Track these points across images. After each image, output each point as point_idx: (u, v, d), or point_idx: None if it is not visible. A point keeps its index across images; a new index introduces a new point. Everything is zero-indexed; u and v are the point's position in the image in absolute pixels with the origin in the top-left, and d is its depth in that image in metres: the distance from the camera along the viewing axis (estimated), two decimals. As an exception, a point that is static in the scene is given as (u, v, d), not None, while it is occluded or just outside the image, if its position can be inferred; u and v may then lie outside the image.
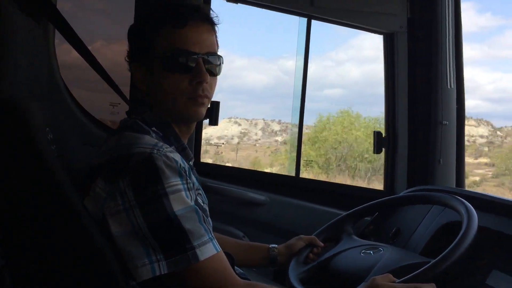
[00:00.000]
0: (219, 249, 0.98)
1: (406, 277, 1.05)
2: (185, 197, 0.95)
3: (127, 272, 0.94)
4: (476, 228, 1.12)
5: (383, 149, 2.11)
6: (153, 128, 1.06)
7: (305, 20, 2.15)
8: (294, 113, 2.37)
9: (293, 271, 1.35)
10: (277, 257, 1.42)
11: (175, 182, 0.95)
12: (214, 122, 2.29)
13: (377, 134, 2.10)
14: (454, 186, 1.96)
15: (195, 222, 0.95)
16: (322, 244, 1.44)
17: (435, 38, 1.92)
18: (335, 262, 1.32)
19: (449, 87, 1.94)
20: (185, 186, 0.97)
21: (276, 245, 1.44)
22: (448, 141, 1.96)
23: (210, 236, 0.97)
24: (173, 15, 1.05)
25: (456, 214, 1.23)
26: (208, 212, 1.11)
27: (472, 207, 1.19)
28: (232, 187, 2.21)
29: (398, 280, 1.05)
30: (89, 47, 1.21)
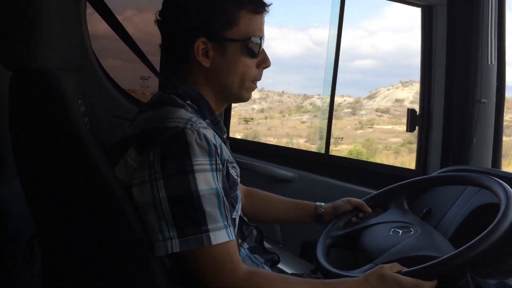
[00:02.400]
0: (232, 237, 0.97)
1: (417, 267, 1.02)
2: (211, 178, 0.95)
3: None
4: None
5: (417, 127, 2.05)
6: (188, 102, 1.07)
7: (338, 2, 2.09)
8: (325, 85, 2.33)
9: (324, 236, 1.35)
10: (324, 215, 1.44)
11: (203, 161, 0.94)
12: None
13: (410, 112, 2.04)
14: (490, 167, 1.89)
15: (215, 206, 0.94)
16: (369, 209, 1.44)
17: (476, 12, 1.82)
18: (366, 233, 1.31)
19: (489, 63, 1.85)
20: (213, 166, 0.96)
21: (323, 203, 1.46)
22: (486, 120, 1.88)
23: (226, 223, 0.96)
24: (255, 0, 1.06)
25: (492, 196, 1.18)
26: (238, 186, 1.12)
27: (510, 189, 1.15)
28: (261, 163, 2.21)
29: (405, 270, 1.03)
30: (120, 16, 1.20)
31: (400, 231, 1.25)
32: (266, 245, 1.28)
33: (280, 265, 1.37)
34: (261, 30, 1.10)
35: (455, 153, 1.92)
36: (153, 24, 1.11)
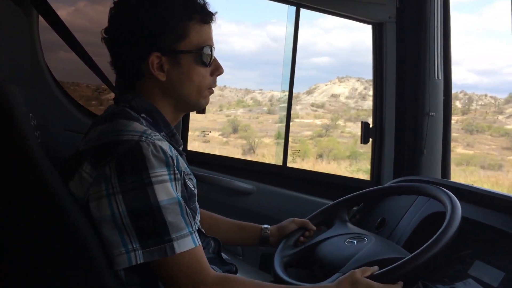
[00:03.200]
0: (198, 243, 0.98)
1: (383, 270, 1.06)
2: (170, 188, 0.95)
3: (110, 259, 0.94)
4: (460, 219, 1.12)
5: (370, 140, 2.12)
6: (142, 115, 1.06)
7: (293, 8, 2.14)
8: (284, 81, 2.35)
9: (279, 254, 1.37)
10: (269, 237, 1.45)
11: (161, 172, 0.94)
12: (202, 110, 2.28)
13: (364, 124, 2.11)
14: (440, 177, 1.97)
15: (177, 215, 0.95)
16: (314, 228, 1.46)
17: (423, 29, 1.92)
18: (320, 248, 1.33)
19: (436, 78, 1.94)
20: (172, 176, 0.97)
21: (269, 226, 1.46)
22: (434, 132, 1.97)
23: (191, 229, 0.97)
24: (202, 10, 1.08)
25: (441, 205, 1.24)
26: (196, 198, 1.12)
27: (456, 198, 1.20)
28: (219, 175, 2.21)
29: (378, 271, 1.06)
30: (71, 8, 1.16)
31: (355, 241, 1.28)
32: (224, 256, 1.28)
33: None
34: (211, 39, 1.11)
35: (407, 164, 2.00)
36: (107, 16, 1.07)
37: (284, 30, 2.31)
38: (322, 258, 1.30)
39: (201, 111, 2.23)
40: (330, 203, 1.55)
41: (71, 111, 2.08)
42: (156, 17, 1.03)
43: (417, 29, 1.93)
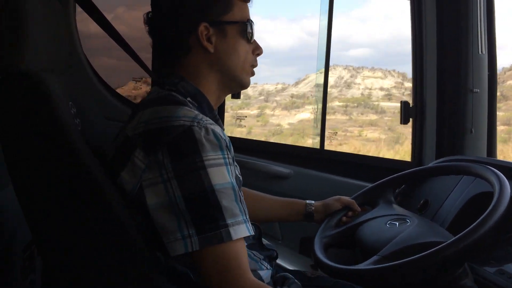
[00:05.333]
0: (252, 232, 0.96)
1: (424, 253, 1.03)
2: (225, 172, 0.94)
3: (156, 246, 0.94)
4: (509, 199, 1.08)
5: (411, 119, 2.05)
6: (188, 99, 1.06)
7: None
8: (318, 75, 2.33)
9: (320, 235, 1.36)
10: (314, 213, 1.44)
11: (215, 155, 0.93)
12: (237, 95, 2.28)
13: (404, 104, 2.04)
14: (485, 156, 1.89)
15: (232, 200, 0.93)
16: (359, 209, 1.44)
17: (465, 1, 1.83)
18: (362, 229, 1.31)
19: (480, 53, 1.85)
20: (227, 160, 0.95)
21: (313, 201, 1.46)
22: (479, 110, 1.88)
23: (245, 217, 0.95)
24: None
25: (487, 185, 1.19)
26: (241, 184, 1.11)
27: (504, 177, 1.15)
28: (256, 160, 2.21)
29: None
30: (111, 15, 1.20)
31: (397, 223, 1.25)
32: (265, 241, 1.28)
33: (279, 261, 1.36)
34: (250, 18, 1.12)
35: (450, 143, 1.92)
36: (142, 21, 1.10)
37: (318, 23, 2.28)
38: (362, 240, 1.28)
39: (236, 95, 2.23)
40: (370, 185, 1.52)
41: (110, 100, 2.13)
42: None
43: (459, 0, 1.83)
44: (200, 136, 0.92)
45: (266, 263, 1.21)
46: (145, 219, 0.94)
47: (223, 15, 1.07)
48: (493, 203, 1.07)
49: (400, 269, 1.03)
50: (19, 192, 0.96)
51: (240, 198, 0.97)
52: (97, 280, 0.97)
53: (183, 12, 1.05)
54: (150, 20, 1.09)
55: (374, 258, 1.12)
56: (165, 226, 0.92)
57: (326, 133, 2.25)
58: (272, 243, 1.31)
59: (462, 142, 1.88)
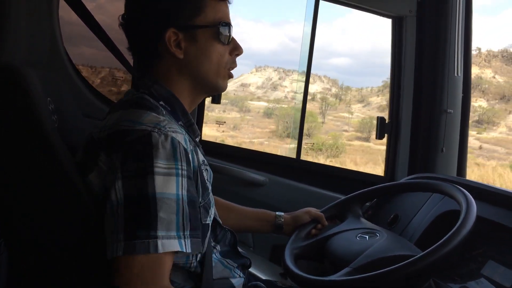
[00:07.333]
0: (187, 249, 0.90)
1: (393, 266, 1.05)
2: (173, 183, 0.90)
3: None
4: (475, 218, 1.11)
5: (385, 135, 2.09)
6: (161, 102, 1.04)
7: (313, 1, 2.12)
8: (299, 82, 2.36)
9: (290, 246, 1.37)
10: (283, 226, 1.45)
11: (167, 164, 0.90)
12: (217, 100, 2.28)
13: (380, 120, 2.09)
14: (455, 175, 1.95)
15: (171, 213, 0.88)
16: (326, 222, 1.45)
17: (444, 24, 1.88)
18: (332, 241, 1.33)
19: (456, 75, 1.91)
20: (179, 171, 0.92)
21: (283, 213, 1.47)
22: (451, 130, 1.94)
23: (181, 233, 0.89)
24: None
25: (455, 203, 1.22)
26: (210, 190, 1.09)
27: (471, 197, 1.18)
28: (232, 166, 2.21)
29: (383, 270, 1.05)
30: (93, 4, 1.18)
31: (367, 236, 1.27)
32: (239, 249, 1.28)
33: (251, 269, 1.37)
34: (227, 17, 1.08)
35: (422, 161, 1.97)
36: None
37: (302, 29, 2.30)
38: (333, 252, 1.29)
39: (216, 100, 2.23)
40: (343, 197, 1.54)
41: (89, 98, 2.10)
42: None
43: (438, 24, 1.89)
44: (157, 142, 0.90)
45: (239, 271, 1.21)
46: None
47: (193, 18, 1.04)
48: (460, 221, 1.10)
49: (372, 281, 1.05)
50: None
51: (184, 213, 0.90)
52: (63, 277, 0.96)
53: (149, 17, 1.03)
54: (123, 23, 1.07)
55: (346, 269, 1.13)
56: (106, 227, 0.90)
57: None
58: (244, 250, 1.31)
59: (434, 160, 1.94)
